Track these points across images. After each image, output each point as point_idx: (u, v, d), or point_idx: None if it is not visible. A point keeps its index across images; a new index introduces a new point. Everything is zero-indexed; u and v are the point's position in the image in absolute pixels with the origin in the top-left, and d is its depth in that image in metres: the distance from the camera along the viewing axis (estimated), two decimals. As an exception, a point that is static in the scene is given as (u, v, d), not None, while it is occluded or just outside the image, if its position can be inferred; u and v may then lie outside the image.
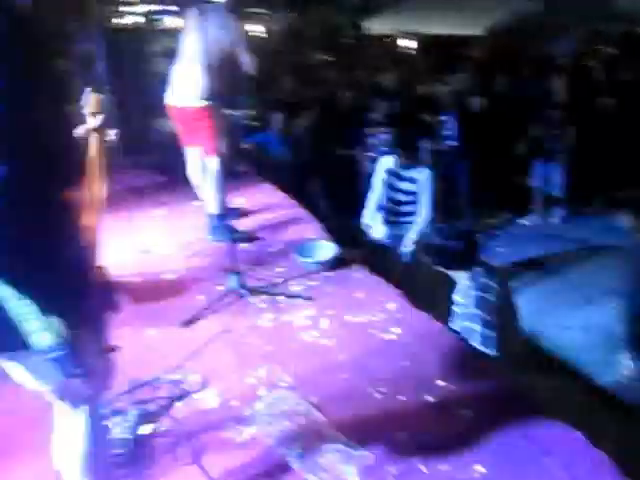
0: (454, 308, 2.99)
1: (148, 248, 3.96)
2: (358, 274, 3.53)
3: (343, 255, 3.66)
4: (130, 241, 4.04)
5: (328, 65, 9.24)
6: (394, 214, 4.37)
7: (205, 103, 3.61)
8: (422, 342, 2.80)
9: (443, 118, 6.17)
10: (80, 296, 1.33)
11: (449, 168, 5.92)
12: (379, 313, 3.07)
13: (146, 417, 2.33)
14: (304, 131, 6.39)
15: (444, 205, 4.69)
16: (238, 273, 3.31)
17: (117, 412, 2.30)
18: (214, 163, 3.79)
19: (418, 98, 6.89)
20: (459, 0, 9.68)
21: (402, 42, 10.43)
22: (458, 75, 7.00)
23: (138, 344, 2.87)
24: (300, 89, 7.78)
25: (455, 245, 2.88)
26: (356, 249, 3.97)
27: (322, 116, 6.41)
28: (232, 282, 3.28)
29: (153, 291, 3.41)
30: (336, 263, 3.60)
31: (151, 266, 3.71)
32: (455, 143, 6.07)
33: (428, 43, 9.99)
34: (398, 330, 2.90)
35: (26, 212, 1.20)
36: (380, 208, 4.40)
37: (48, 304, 1.25)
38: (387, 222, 4.39)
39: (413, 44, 10.19)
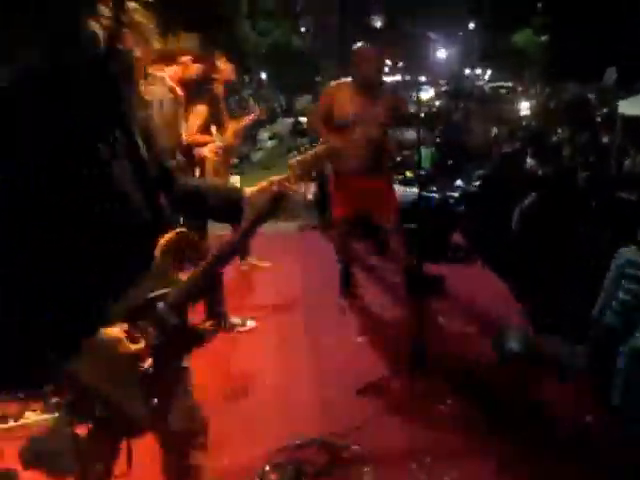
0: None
1: (344, 308, 4.06)
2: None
3: (546, 350, 3.32)
4: (331, 301, 4.20)
5: (566, 142, 8.70)
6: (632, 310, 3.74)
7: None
8: None
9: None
10: None
11: None
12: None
13: (302, 476, 2.33)
14: (529, 210, 6.06)
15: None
16: (425, 348, 3.21)
17: (276, 465, 2.34)
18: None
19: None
20: None
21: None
22: None
23: (314, 400, 2.94)
24: (535, 164, 7.45)
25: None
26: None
27: (552, 196, 6.02)
28: (418, 357, 3.18)
29: (343, 351, 3.48)
30: (537, 358, 3.27)
31: (345, 327, 3.79)
32: None
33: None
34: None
35: None
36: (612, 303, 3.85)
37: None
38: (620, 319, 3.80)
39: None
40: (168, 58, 3.33)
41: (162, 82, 3.31)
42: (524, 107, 13.60)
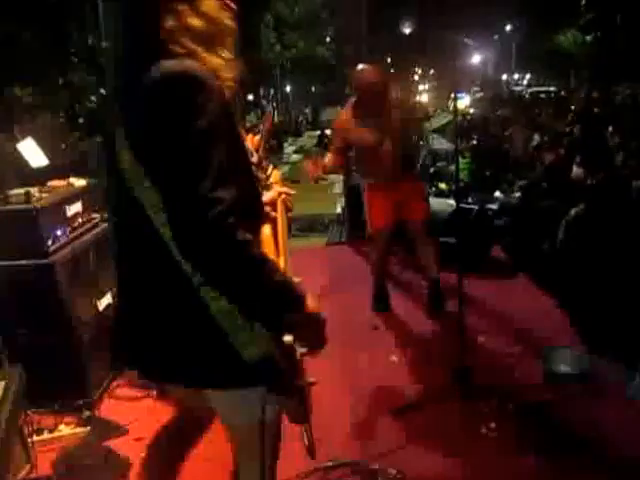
0: None
1: (377, 325, 4.14)
2: (614, 396, 3.13)
3: (597, 370, 3.32)
4: (363, 317, 4.27)
5: (618, 149, 8.63)
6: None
7: None
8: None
9: None
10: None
11: None
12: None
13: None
14: (578, 221, 6.02)
15: None
16: (466, 368, 3.24)
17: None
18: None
19: None
20: None
21: None
22: None
23: (348, 421, 2.99)
24: (583, 173, 7.42)
25: None
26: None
27: (602, 206, 5.98)
28: (458, 376, 3.20)
29: (376, 370, 3.53)
30: (587, 378, 3.27)
31: (379, 344, 3.86)
32: None
33: None
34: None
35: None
36: None
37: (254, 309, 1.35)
38: None
39: None
40: None
41: None
42: (568, 112, 13.55)
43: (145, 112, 1.28)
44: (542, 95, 17.39)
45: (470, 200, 5.60)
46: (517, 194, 7.86)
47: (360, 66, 4.04)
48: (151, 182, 1.33)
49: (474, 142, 9.58)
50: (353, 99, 4.14)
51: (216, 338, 1.39)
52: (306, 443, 1.64)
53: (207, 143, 1.26)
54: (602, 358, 3.48)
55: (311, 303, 1.42)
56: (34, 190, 3.15)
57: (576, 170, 8.42)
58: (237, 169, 1.37)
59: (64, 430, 2.86)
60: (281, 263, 1.56)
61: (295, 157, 13.46)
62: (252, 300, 1.32)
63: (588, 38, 20.32)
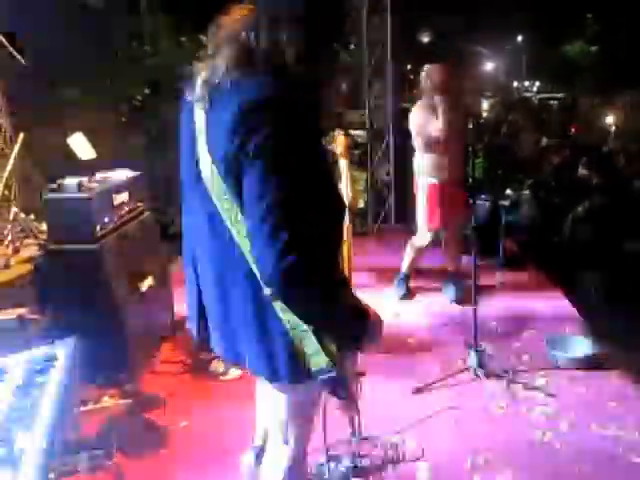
0: None
1: (399, 312, 4.07)
2: (615, 380, 3.07)
3: (601, 356, 3.25)
4: (386, 304, 4.20)
5: (619, 152, 8.46)
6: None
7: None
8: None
9: None
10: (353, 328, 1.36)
11: None
12: (632, 430, 2.61)
13: (357, 471, 2.35)
14: (584, 218, 5.92)
15: None
16: (479, 351, 3.20)
17: (333, 458, 2.37)
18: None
19: None
20: None
21: None
22: None
23: (370, 399, 2.94)
24: (588, 174, 7.28)
25: None
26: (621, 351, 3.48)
27: (605, 203, 5.87)
28: (472, 359, 3.18)
29: (396, 353, 3.48)
30: (591, 363, 3.20)
31: (399, 329, 3.80)
32: None
33: None
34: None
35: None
36: None
37: (329, 330, 1.33)
38: None
39: None
40: None
41: None
42: (574, 118, 13.31)
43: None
44: (550, 101, 17.08)
45: (483, 196, 5.51)
46: (526, 191, 7.76)
47: (429, 66, 3.93)
48: (229, 194, 1.27)
49: (485, 143, 9.46)
50: (422, 101, 3.98)
51: (283, 339, 1.34)
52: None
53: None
54: (604, 345, 3.41)
55: (372, 311, 1.39)
56: (84, 180, 3.15)
57: (581, 170, 8.30)
58: (317, 184, 1.28)
59: (107, 402, 2.86)
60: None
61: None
62: (323, 326, 1.31)
63: (593, 49, 19.94)
